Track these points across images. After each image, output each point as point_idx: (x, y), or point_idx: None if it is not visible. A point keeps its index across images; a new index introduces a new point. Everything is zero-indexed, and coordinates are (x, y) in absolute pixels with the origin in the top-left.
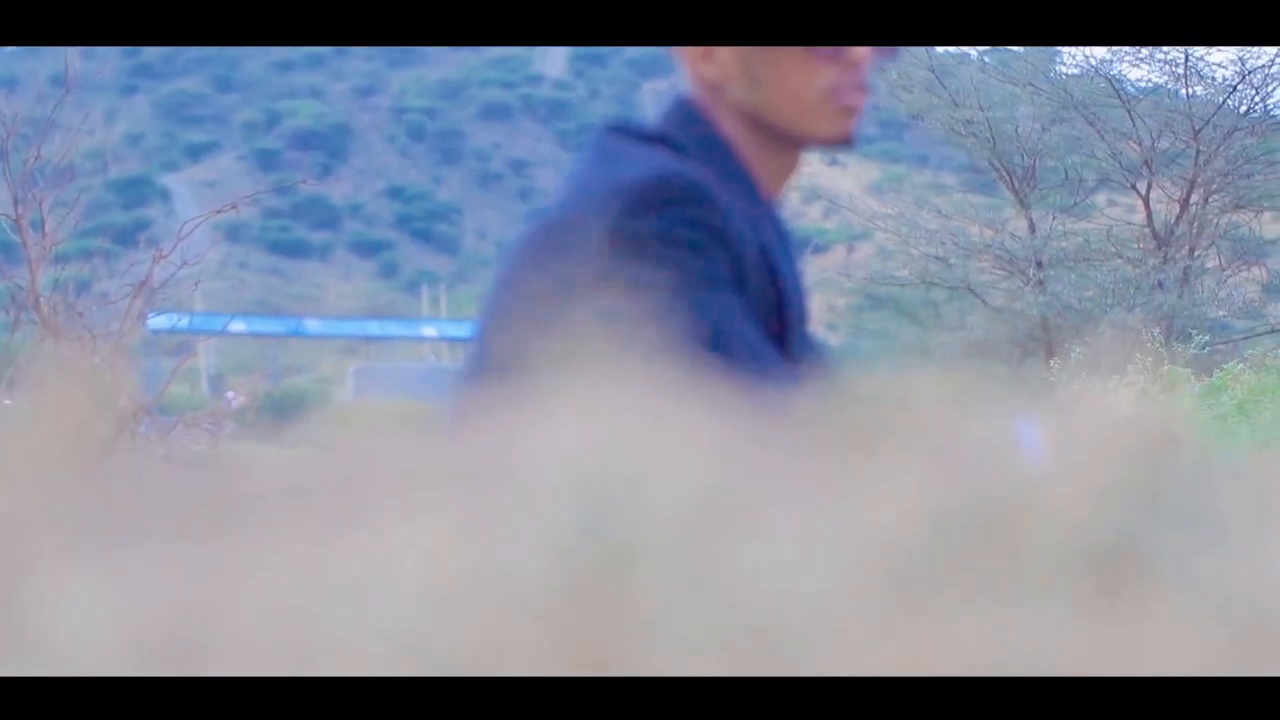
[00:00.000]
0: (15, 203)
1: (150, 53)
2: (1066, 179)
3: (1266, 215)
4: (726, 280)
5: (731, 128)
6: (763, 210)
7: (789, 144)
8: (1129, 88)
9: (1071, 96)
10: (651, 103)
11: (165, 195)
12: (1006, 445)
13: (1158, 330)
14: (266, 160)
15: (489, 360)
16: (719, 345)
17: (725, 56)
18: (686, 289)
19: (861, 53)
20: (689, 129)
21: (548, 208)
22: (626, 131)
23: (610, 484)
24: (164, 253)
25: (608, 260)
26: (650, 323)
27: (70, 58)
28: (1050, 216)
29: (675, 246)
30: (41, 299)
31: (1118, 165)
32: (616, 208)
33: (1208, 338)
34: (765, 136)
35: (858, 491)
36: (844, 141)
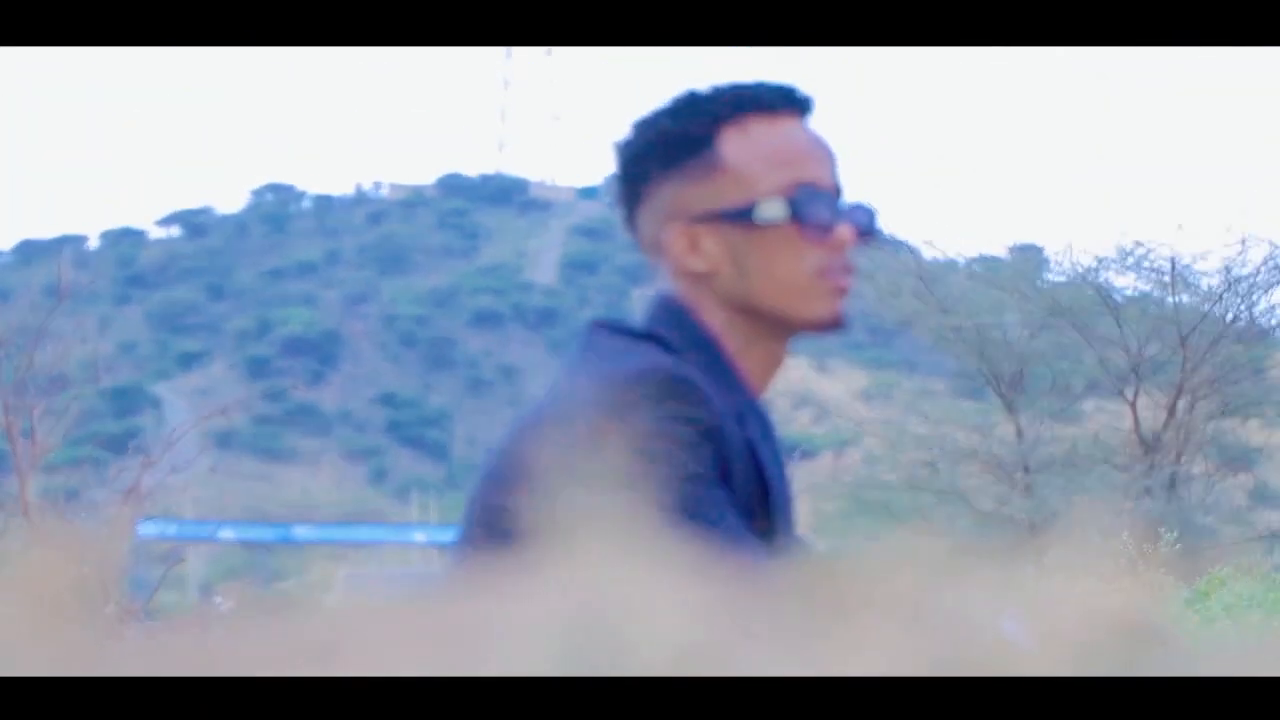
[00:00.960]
0: (6, 411)
1: (144, 263)
2: (1054, 385)
3: (1253, 423)
4: (713, 476)
5: (718, 322)
6: (749, 406)
7: (779, 332)
8: (1116, 295)
9: (1059, 304)
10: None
11: (157, 403)
12: (984, 618)
13: (1127, 534)
14: (258, 367)
15: (472, 555)
16: (704, 540)
17: (711, 248)
18: (673, 484)
19: (847, 235)
20: (675, 325)
21: (536, 403)
22: (613, 328)
23: (592, 648)
24: (153, 459)
25: (594, 455)
26: (635, 517)
27: (64, 268)
28: (1039, 422)
29: (663, 441)
30: (31, 507)
31: (1105, 372)
32: (604, 403)
33: (1176, 534)
34: (755, 327)
35: (834, 657)
36: (835, 324)
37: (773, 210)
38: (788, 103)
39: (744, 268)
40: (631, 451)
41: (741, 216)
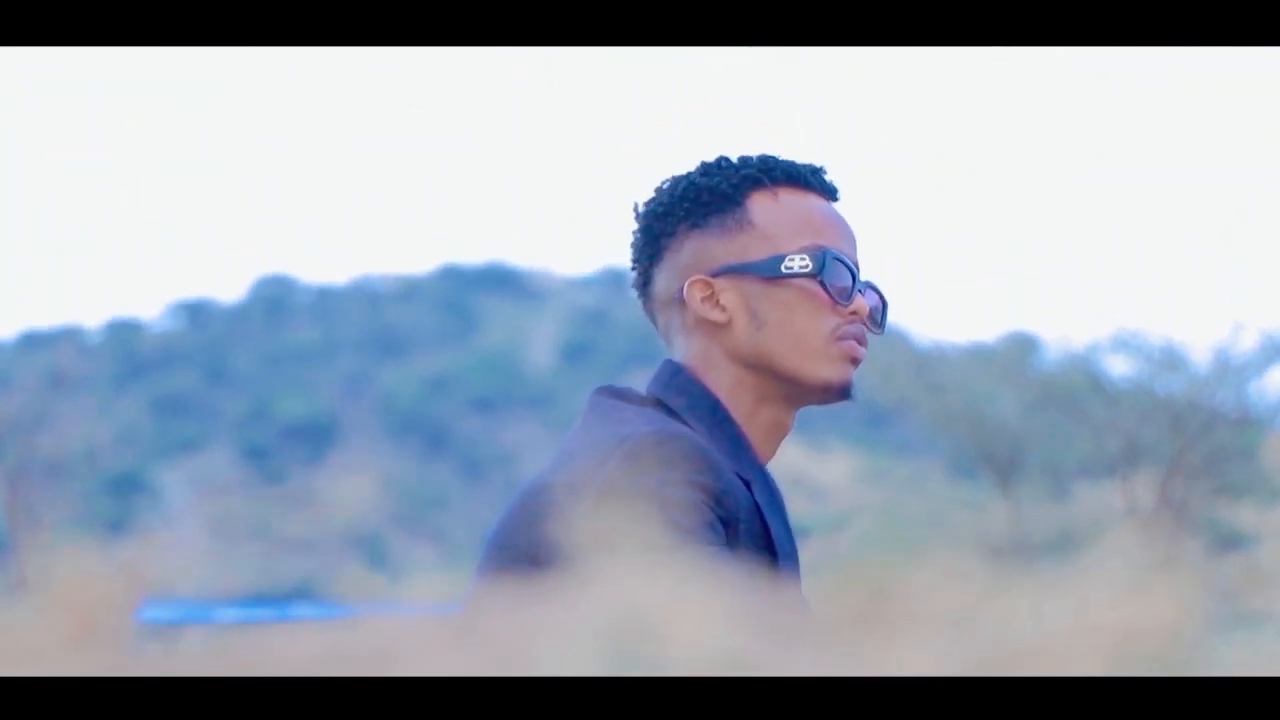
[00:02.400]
0: (9, 492)
1: (144, 351)
2: (1048, 467)
3: (1245, 506)
4: (718, 538)
5: (728, 381)
6: (756, 472)
7: (788, 393)
8: (1108, 379)
9: (1052, 388)
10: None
11: (155, 488)
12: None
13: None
14: (256, 452)
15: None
16: None
17: (730, 300)
18: (676, 548)
19: (864, 306)
20: (681, 391)
21: (542, 470)
22: (619, 394)
23: (631, 656)
24: (153, 541)
25: (599, 518)
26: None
27: (66, 356)
28: (1033, 503)
29: (666, 506)
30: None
31: (1099, 454)
32: (610, 466)
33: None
34: (764, 387)
35: (870, 666)
36: (843, 390)
37: (797, 265)
38: (819, 183)
39: (761, 321)
40: (635, 516)
41: (764, 270)
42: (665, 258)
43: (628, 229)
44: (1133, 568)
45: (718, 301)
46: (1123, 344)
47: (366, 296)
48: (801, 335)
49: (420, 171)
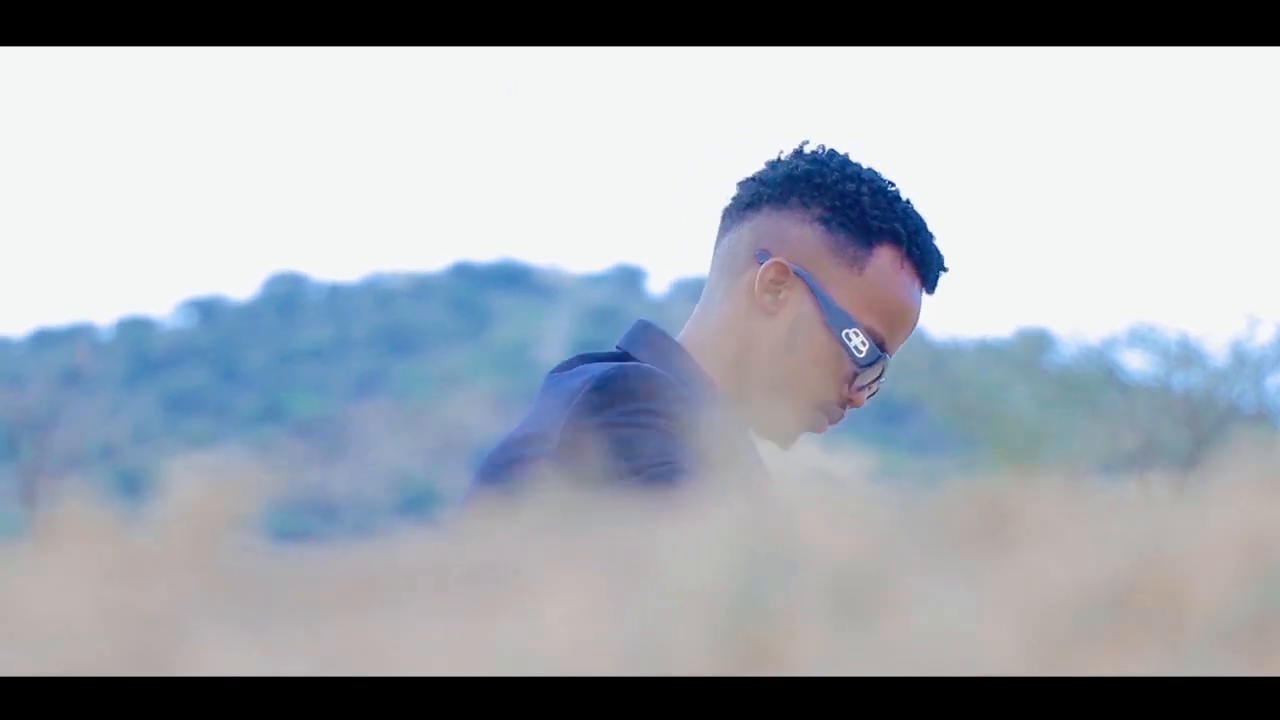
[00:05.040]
0: (22, 490)
1: (156, 349)
2: (1064, 463)
3: None
4: (695, 465)
5: (724, 358)
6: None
7: (750, 402)
8: (1125, 376)
9: (1068, 382)
10: None
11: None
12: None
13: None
14: (268, 450)
15: None
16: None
17: (790, 300)
18: (656, 471)
19: (863, 400)
20: (649, 345)
21: (512, 427)
22: (580, 357)
23: (765, 556)
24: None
25: (565, 457)
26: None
27: (81, 353)
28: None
29: (639, 432)
30: None
31: (1115, 449)
32: (575, 404)
33: None
34: (741, 387)
35: (996, 574)
36: (781, 443)
37: (855, 341)
38: (931, 280)
39: (792, 345)
40: (610, 445)
41: (832, 318)
42: (782, 211)
43: (754, 164)
44: (1255, 477)
45: (779, 293)
46: (1139, 339)
47: (378, 294)
48: (804, 387)
49: (432, 169)
